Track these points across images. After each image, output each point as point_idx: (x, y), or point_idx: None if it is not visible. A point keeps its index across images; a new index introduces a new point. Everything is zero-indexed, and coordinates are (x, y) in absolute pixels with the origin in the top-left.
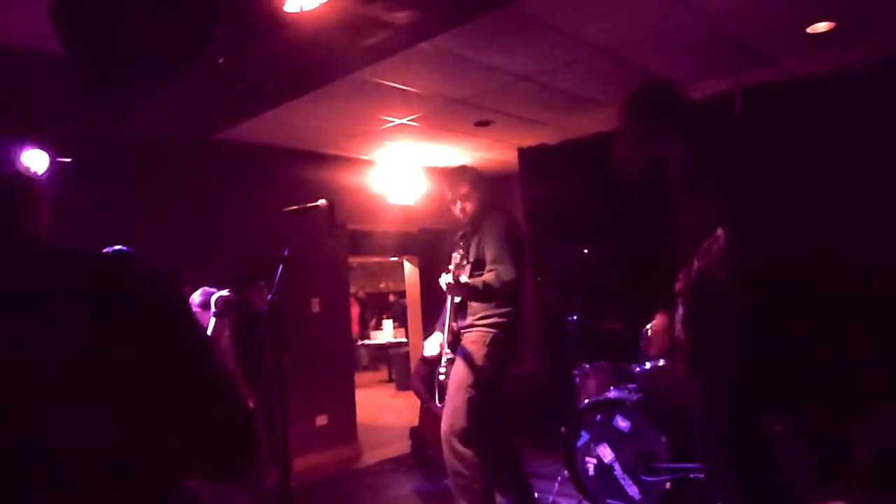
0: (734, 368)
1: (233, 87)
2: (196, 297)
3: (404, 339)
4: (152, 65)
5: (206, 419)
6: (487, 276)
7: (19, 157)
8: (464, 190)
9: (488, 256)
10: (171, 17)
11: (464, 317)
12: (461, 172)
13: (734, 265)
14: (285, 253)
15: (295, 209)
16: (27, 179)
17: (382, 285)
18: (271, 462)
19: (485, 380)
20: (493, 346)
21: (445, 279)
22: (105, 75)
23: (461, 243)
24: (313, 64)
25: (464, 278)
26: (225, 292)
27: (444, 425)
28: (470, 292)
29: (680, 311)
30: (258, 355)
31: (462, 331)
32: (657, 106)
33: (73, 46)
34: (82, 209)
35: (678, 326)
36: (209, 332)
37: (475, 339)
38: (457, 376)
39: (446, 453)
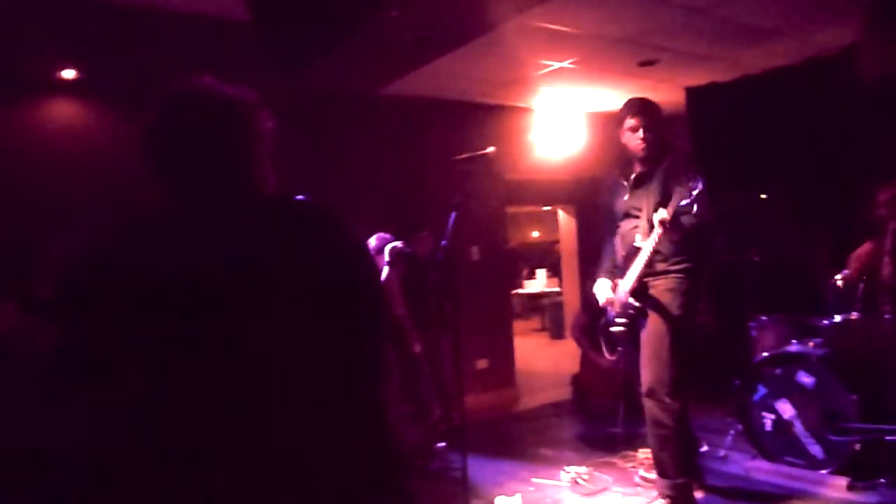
0: None
1: (401, 41)
2: (372, 241)
3: (557, 289)
4: (329, 23)
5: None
6: (693, 219)
7: (254, 118)
8: (652, 122)
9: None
10: None
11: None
12: (652, 105)
13: None
14: (458, 200)
15: (465, 157)
16: (259, 136)
17: (534, 235)
18: (437, 400)
19: (684, 330)
20: (689, 293)
21: (661, 215)
22: (284, 36)
23: (633, 190)
24: (477, 11)
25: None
26: (398, 244)
27: (647, 379)
28: (685, 234)
29: (889, 241)
30: (425, 300)
31: (649, 279)
32: None
33: (257, 10)
34: None
35: (886, 260)
36: (382, 277)
37: (672, 287)
38: (655, 327)
39: (649, 404)
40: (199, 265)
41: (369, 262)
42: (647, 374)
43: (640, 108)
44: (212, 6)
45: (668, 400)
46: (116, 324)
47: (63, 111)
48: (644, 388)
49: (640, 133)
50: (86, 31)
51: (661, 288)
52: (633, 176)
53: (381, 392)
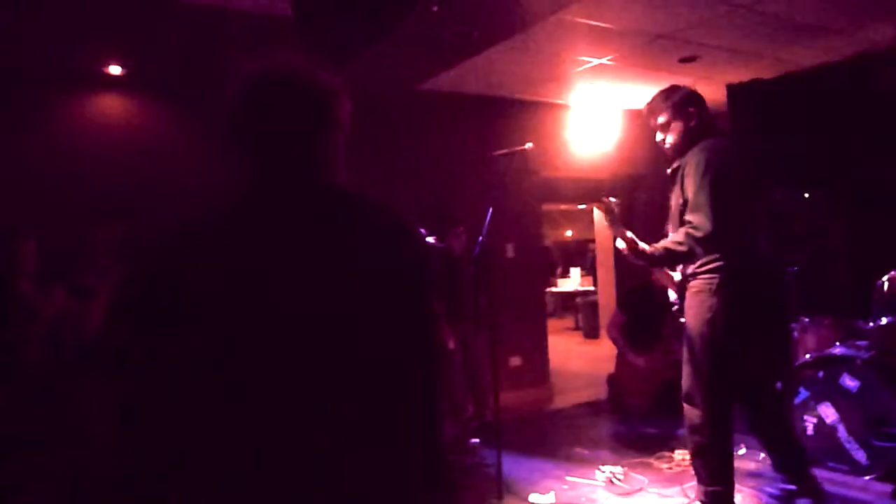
0: None
1: (440, 36)
2: None
3: (592, 288)
4: (370, 18)
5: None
6: (676, 236)
7: (338, 105)
8: (664, 117)
9: (688, 202)
10: None
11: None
12: (663, 96)
13: None
14: (494, 196)
15: (502, 153)
16: (340, 122)
17: (567, 233)
18: (470, 396)
19: (717, 333)
20: (720, 294)
21: (620, 245)
22: (326, 31)
23: (672, 183)
24: (516, 7)
25: (642, 244)
26: (431, 239)
27: (684, 380)
28: (651, 260)
29: None
30: (459, 296)
31: (688, 278)
32: None
33: (299, 5)
34: None
35: None
36: None
37: (700, 289)
38: (687, 332)
39: (686, 408)
40: (264, 263)
41: (432, 266)
42: (685, 377)
43: (651, 108)
44: (255, 2)
45: (701, 407)
46: (179, 323)
47: (111, 105)
48: (683, 391)
49: (658, 135)
50: (131, 28)
51: (693, 290)
52: (669, 170)
53: (439, 392)
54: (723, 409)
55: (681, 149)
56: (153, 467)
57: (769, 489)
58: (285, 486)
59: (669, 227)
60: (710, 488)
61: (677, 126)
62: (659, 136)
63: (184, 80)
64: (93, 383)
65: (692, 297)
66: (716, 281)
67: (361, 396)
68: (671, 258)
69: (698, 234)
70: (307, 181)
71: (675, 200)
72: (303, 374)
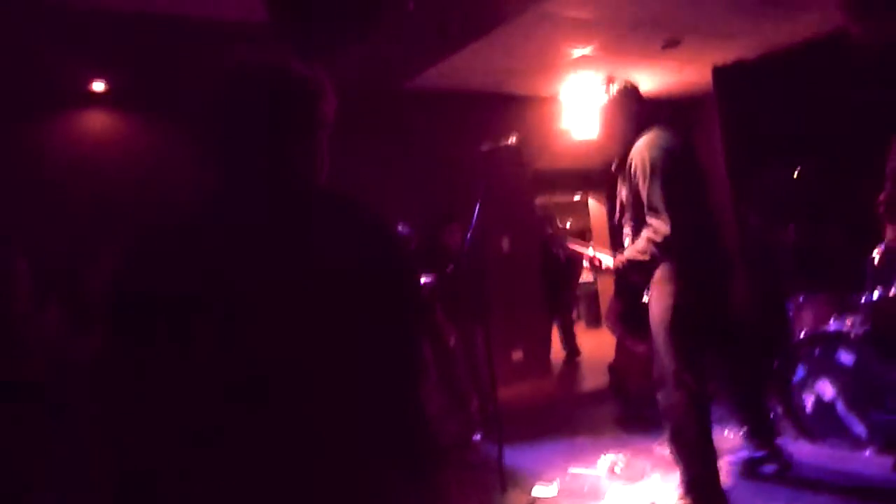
0: None
1: (421, 34)
2: None
3: (591, 278)
4: (347, 20)
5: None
6: (638, 244)
7: (322, 101)
8: (605, 107)
9: (644, 202)
10: None
11: None
12: (604, 84)
13: None
14: (482, 191)
15: (489, 148)
16: (324, 119)
17: (564, 225)
18: (473, 390)
19: (680, 318)
20: (680, 279)
21: (606, 262)
22: (305, 35)
23: (620, 176)
24: (492, 1)
25: (607, 260)
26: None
27: (654, 367)
28: (618, 274)
29: None
30: (455, 293)
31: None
32: None
33: (275, 11)
34: None
35: None
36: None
37: (659, 278)
38: (653, 317)
39: (658, 397)
40: (236, 264)
41: (410, 266)
42: (654, 363)
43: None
44: (233, 11)
45: (671, 389)
46: (154, 327)
47: (96, 121)
48: (654, 377)
49: (599, 127)
50: (113, 44)
51: (654, 279)
52: (614, 165)
53: (418, 385)
54: (695, 391)
55: (622, 142)
56: (134, 466)
57: (738, 456)
58: (262, 482)
59: (624, 220)
60: (689, 471)
61: (618, 120)
62: (599, 129)
63: (166, 95)
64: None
65: (654, 284)
66: (672, 269)
67: (339, 396)
68: (637, 267)
69: (657, 238)
70: (281, 180)
71: (625, 193)
72: (277, 376)
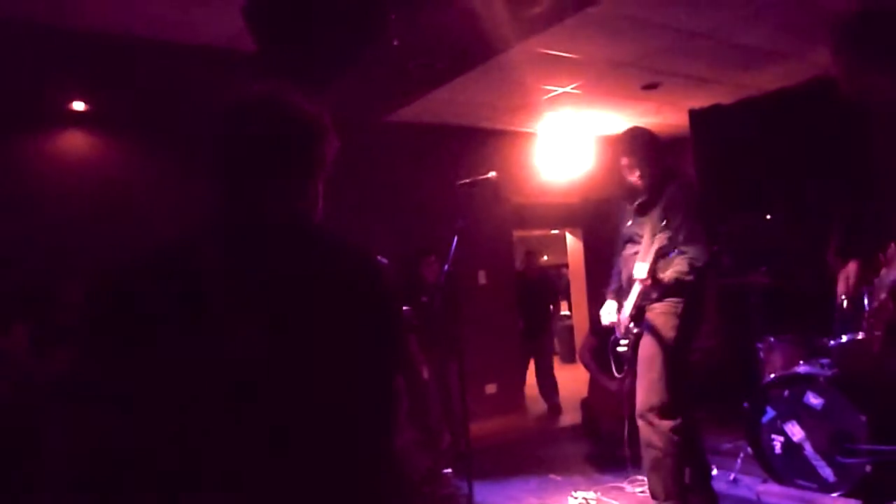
0: None
1: (404, 68)
2: None
3: (567, 312)
4: (332, 54)
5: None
6: (680, 266)
7: (323, 142)
8: (634, 158)
9: (681, 235)
10: (348, 4)
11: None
12: (628, 139)
13: None
14: (460, 225)
15: (467, 182)
16: (323, 158)
17: (543, 258)
18: (446, 425)
19: (678, 352)
20: (683, 316)
21: (638, 273)
22: (289, 65)
23: (636, 216)
24: (478, 39)
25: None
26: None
27: (639, 399)
28: (665, 289)
29: (892, 276)
30: (430, 325)
31: (647, 304)
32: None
33: (262, 42)
34: None
35: (882, 294)
36: None
37: (664, 311)
38: (647, 350)
39: (640, 425)
40: (224, 295)
41: (397, 308)
42: (640, 394)
43: (630, 146)
44: (219, 38)
45: (657, 421)
46: (131, 349)
47: (75, 142)
48: (637, 408)
49: (636, 171)
50: (94, 65)
51: (657, 311)
52: (636, 203)
53: (393, 419)
54: (681, 424)
55: (655, 186)
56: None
57: None
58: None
59: (636, 254)
60: (668, 501)
61: (656, 165)
62: (635, 174)
63: (147, 117)
64: (64, 421)
65: (658, 317)
66: (680, 305)
67: (319, 426)
68: (679, 286)
69: (698, 263)
70: (275, 215)
71: (647, 233)
72: (259, 403)
